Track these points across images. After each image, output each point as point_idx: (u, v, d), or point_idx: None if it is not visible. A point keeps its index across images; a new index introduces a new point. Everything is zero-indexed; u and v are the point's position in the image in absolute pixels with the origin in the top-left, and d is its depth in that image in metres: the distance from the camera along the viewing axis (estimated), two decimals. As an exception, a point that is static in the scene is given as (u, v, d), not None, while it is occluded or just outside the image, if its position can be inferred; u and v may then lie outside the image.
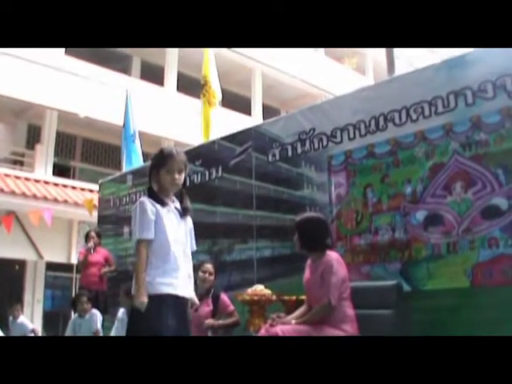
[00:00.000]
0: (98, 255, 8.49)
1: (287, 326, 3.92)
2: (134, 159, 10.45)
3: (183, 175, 3.58)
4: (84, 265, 8.49)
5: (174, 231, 3.47)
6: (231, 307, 5.43)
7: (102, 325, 7.55)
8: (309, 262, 4.37)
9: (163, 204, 3.47)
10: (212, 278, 5.62)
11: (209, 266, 5.67)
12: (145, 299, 3.25)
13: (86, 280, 8.44)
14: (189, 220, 3.71)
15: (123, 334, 6.45)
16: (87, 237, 8.68)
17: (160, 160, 3.54)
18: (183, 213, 3.61)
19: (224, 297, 5.54)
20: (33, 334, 8.93)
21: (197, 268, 5.43)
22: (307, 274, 4.34)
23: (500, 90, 4.51)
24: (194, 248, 3.80)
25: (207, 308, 5.46)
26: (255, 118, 18.52)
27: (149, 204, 3.41)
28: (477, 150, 4.60)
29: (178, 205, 3.60)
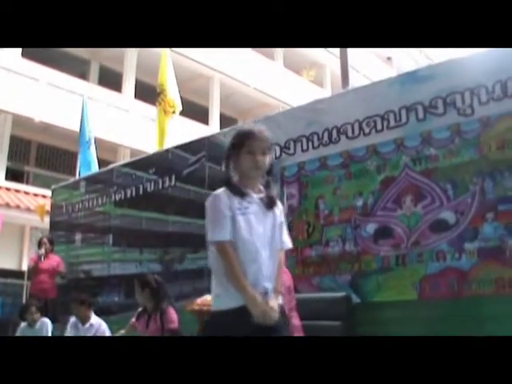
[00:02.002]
0: (50, 262, 8.35)
1: None
2: (89, 166, 10.35)
3: (268, 158, 2.94)
4: (34, 272, 8.34)
5: (259, 227, 2.86)
6: (174, 325, 5.19)
7: (53, 333, 7.43)
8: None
9: (243, 195, 2.89)
10: (140, 291, 5.36)
11: (136, 282, 5.42)
12: (274, 313, 2.71)
13: (37, 287, 8.28)
14: (277, 212, 3.01)
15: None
16: (40, 243, 8.53)
17: (238, 141, 2.96)
18: (270, 204, 2.96)
19: (170, 311, 5.31)
20: None
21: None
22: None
23: (450, 106, 4.60)
24: (289, 245, 3.12)
25: (155, 324, 5.26)
26: (212, 128, 18.50)
27: (224, 197, 2.86)
28: (427, 165, 4.67)
29: (262, 195, 2.96)
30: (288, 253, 5.28)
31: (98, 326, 6.45)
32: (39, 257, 8.32)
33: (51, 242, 8.54)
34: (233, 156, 2.95)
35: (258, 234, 2.84)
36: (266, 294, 2.76)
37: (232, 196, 2.85)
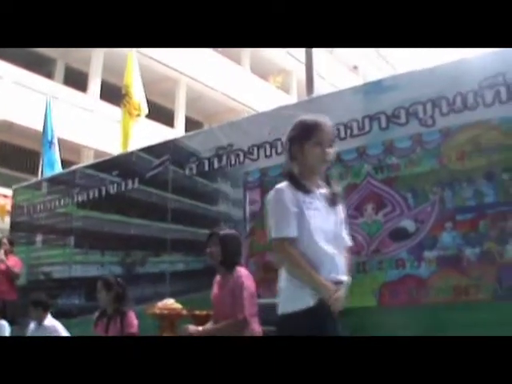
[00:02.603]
0: (8, 264, 8.23)
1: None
2: (52, 166, 10.24)
3: (332, 151, 2.82)
4: None
5: (324, 224, 2.73)
6: (133, 329, 5.10)
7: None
8: (217, 278, 4.33)
9: (307, 191, 2.74)
10: (102, 294, 5.29)
11: (97, 285, 5.35)
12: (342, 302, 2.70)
13: None
14: (340, 209, 2.92)
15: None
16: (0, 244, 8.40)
17: (304, 132, 2.80)
18: (334, 200, 2.84)
19: (130, 314, 5.21)
20: None
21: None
22: (215, 289, 4.30)
23: (412, 116, 4.67)
24: (349, 243, 3.01)
25: (115, 328, 5.16)
26: (178, 130, 18.47)
27: (288, 192, 2.70)
28: (388, 174, 4.74)
29: (323, 191, 2.84)
30: (250, 258, 5.37)
31: (52, 327, 6.38)
32: (0, 258, 8.20)
33: (11, 242, 8.42)
34: (296, 148, 2.81)
35: (325, 230, 2.72)
36: (338, 283, 2.71)
37: (296, 191, 2.71)
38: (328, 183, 2.89)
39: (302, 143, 2.79)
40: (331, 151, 2.78)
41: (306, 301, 2.62)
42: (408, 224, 4.56)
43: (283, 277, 2.79)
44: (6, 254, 8.18)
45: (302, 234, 2.67)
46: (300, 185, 2.74)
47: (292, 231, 2.65)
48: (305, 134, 2.79)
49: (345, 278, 2.79)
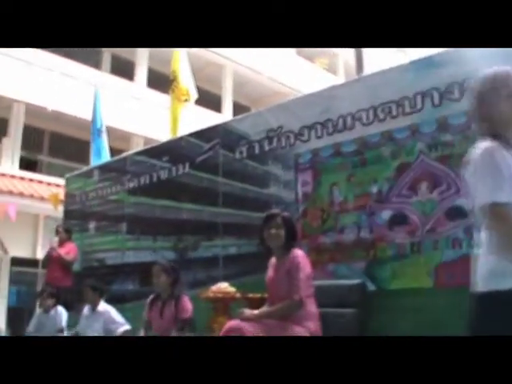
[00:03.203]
0: (63, 251, 8.38)
1: (250, 322, 3.85)
2: (102, 154, 10.36)
3: None
4: (48, 261, 8.37)
5: None
6: (187, 314, 5.14)
7: (67, 322, 7.46)
8: (272, 260, 4.31)
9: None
10: (162, 279, 5.31)
11: (155, 269, 5.37)
12: None
13: (50, 276, 8.33)
14: None
15: (88, 330, 6.44)
16: (56, 232, 8.57)
17: (496, 85, 2.52)
18: None
19: (184, 299, 5.26)
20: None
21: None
22: (270, 272, 4.27)
23: (466, 91, 4.53)
24: None
25: (170, 312, 5.22)
26: (226, 116, 18.46)
27: (500, 151, 2.39)
28: (442, 151, 4.62)
29: None
30: (302, 240, 5.34)
31: (106, 312, 6.48)
32: (53, 246, 8.36)
33: (67, 230, 8.57)
34: (488, 105, 2.53)
35: None
36: None
37: (505, 151, 2.41)
38: None
39: (495, 98, 2.51)
40: None
41: None
42: (464, 202, 4.44)
43: (486, 250, 2.49)
44: (62, 241, 8.32)
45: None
46: (508, 144, 2.44)
47: (506, 196, 2.33)
48: (498, 88, 2.51)
49: None
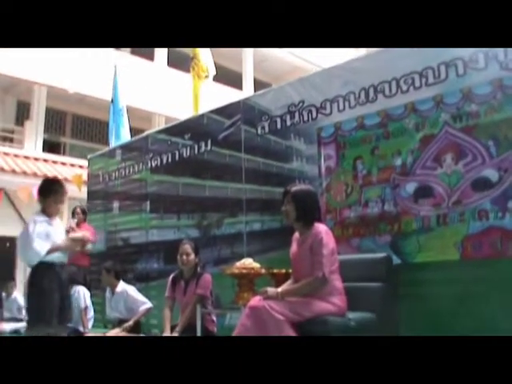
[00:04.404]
0: (81, 232, 8.44)
1: (274, 300, 3.83)
2: (123, 134, 10.37)
3: None
4: None
5: None
6: (203, 291, 5.22)
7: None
8: (296, 235, 4.26)
9: None
10: (191, 257, 5.38)
11: (185, 247, 5.42)
12: None
13: (69, 257, 8.38)
14: None
15: (113, 313, 6.50)
16: (73, 213, 8.62)
17: None
18: None
19: (206, 277, 5.34)
20: (24, 312, 8.87)
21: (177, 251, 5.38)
22: (294, 247, 4.23)
23: (492, 60, 4.45)
24: None
25: (192, 289, 5.31)
26: (246, 93, 18.38)
27: None
28: (467, 122, 4.54)
29: None
30: (326, 215, 5.31)
31: (124, 292, 6.53)
32: (70, 227, 8.41)
33: (84, 211, 8.62)
34: None
35: None
36: None
37: None
38: None
39: None
40: None
41: None
42: (490, 173, 4.38)
43: None
44: (79, 223, 8.37)
45: None
46: None
47: None
48: None
49: None
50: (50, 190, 3.61)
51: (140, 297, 6.49)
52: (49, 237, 3.35)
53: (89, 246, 8.24)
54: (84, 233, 3.49)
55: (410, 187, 4.81)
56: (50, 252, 3.34)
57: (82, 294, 7.35)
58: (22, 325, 8.41)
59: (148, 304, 6.41)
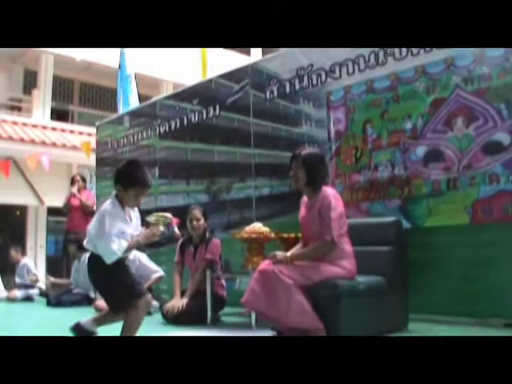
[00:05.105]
0: (83, 198, 8.47)
1: (283, 264, 3.81)
2: (131, 101, 10.33)
3: None
4: (68, 209, 8.44)
5: None
6: (211, 256, 5.19)
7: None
8: (304, 199, 4.20)
9: None
10: (201, 222, 5.34)
11: (195, 212, 5.36)
12: None
13: (71, 223, 8.43)
14: None
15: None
16: (72, 181, 8.62)
17: None
18: None
19: (215, 242, 5.32)
20: (34, 278, 8.92)
21: (186, 216, 5.36)
22: (302, 211, 4.16)
23: (503, 21, 4.38)
24: None
25: (201, 255, 5.30)
26: (254, 58, 18.25)
27: None
28: (479, 85, 4.49)
29: None
30: (335, 179, 5.29)
31: (136, 260, 6.53)
32: (72, 194, 8.42)
33: (83, 178, 8.64)
34: None
35: None
36: None
37: None
38: None
39: None
40: None
41: None
42: (502, 137, 4.34)
43: None
44: (79, 189, 8.38)
45: None
46: None
47: None
48: None
49: None
50: (133, 179, 3.24)
51: (152, 265, 6.51)
52: (124, 234, 3.23)
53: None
54: (153, 228, 3.20)
55: (420, 151, 4.78)
56: (127, 250, 3.22)
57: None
58: (33, 291, 8.49)
59: (160, 272, 6.43)
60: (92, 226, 3.34)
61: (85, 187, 8.60)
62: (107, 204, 3.29)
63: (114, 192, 3.31)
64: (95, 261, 3.30)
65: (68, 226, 8.51)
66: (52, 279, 8.45)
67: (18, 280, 8.89)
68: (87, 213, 8.30)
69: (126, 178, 3.25)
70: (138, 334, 2.84)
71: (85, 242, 3.31)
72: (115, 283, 3.27)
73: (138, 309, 3.18)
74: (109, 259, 3.22)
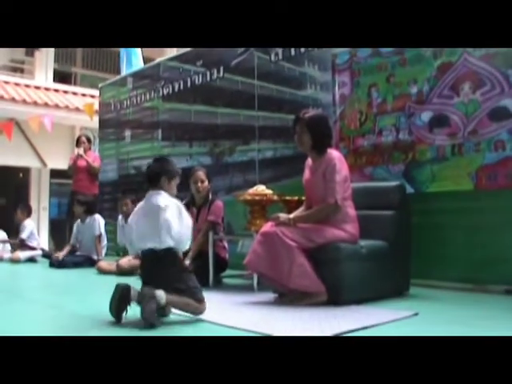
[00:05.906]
0: (89, 159, 8.45)
1: (286, 226, 3.81)
2: (134, 63, 10.25)
3: None
4: (73, 170, 8.41)
5: None
6: (213, 217, 5.16)
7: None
8: (308, 161, 4.17)
9: None
10: (205, 184, 5.29)
11: (199, 174, 5.31)
12: None
13: (77, 185, 8.39)
14: None
15: (123, 239, 6.53)
16: (78, 142, 8.56)
17: None
18: None
19: (218, 204, 5.28)
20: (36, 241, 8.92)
21: (189, 178, 5.32)
22: (307, 174, 4.15)
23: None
24: None
25: (204, 216, 5.26)
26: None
27: None
28: (487, 50, 4.43)
29: None
30: (339, 143, 5.26)
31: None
32: (77, 155, 8.39)
33: (89, 139, 8.57)
34: None
35: None
36: None
37: None
38: None
39: None
40: None
41: None
42: (509, 103, 4.30)
43: None
44: (85, 150, 8.34)
45: None
46: None
47: None
48: None
49: None
50: (175, 171, 3.48)
51: None
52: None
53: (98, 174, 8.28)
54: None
55: (426, 116, 4.75)
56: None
57: (97, 222, 7.37)
58: (36, 253, 8.50)
59: None
60: (171, 221, 3.32)
61: (90, 148, 8.54)
62: (166, 198, 3.34)
63: (151, 190, 3.40)
64: (171, 257, 3.30)
65: (74, 187, 8.45)
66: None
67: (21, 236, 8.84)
68: (93, 174, 8.29)
69: (169, 171, 3.41)
70: (137, 335, 2.83)
71: (158, 242, 3.30)
72: (189, 275, 3.34)
73: (198, 307, 3.19)
74: (183, 248, 3.31)
